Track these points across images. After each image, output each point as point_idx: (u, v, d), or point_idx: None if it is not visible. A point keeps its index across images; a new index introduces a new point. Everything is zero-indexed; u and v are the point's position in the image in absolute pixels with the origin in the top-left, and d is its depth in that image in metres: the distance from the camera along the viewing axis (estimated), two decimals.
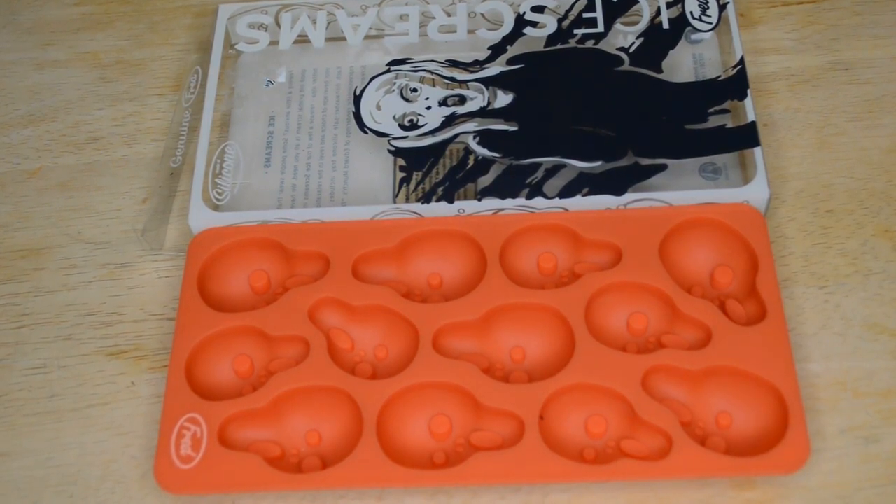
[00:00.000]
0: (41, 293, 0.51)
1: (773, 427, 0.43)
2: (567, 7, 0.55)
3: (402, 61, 0.54)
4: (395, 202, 0.50)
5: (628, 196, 0.49)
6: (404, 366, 0.45)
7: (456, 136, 0.51)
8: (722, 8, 0.54)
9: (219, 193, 0.51)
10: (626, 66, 0.53)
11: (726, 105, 0.51)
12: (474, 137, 0.51)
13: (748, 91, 0.51)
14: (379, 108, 0.53)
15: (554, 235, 0.49)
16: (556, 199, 0.49)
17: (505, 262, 0.48)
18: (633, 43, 0.54)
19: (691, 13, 0.54)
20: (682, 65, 0.53)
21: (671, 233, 0.48)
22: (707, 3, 0.54)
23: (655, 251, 0.47)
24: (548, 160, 0.50)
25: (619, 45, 0.54)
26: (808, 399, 0.44)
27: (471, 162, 0.51)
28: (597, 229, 0.48)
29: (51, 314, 0.50)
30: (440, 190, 0.50)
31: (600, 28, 0.54)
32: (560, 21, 0.55)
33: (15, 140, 0.57)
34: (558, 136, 0.51)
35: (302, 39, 0.56)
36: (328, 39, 0.56)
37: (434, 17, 0.56)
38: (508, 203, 0.49)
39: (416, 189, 0.50)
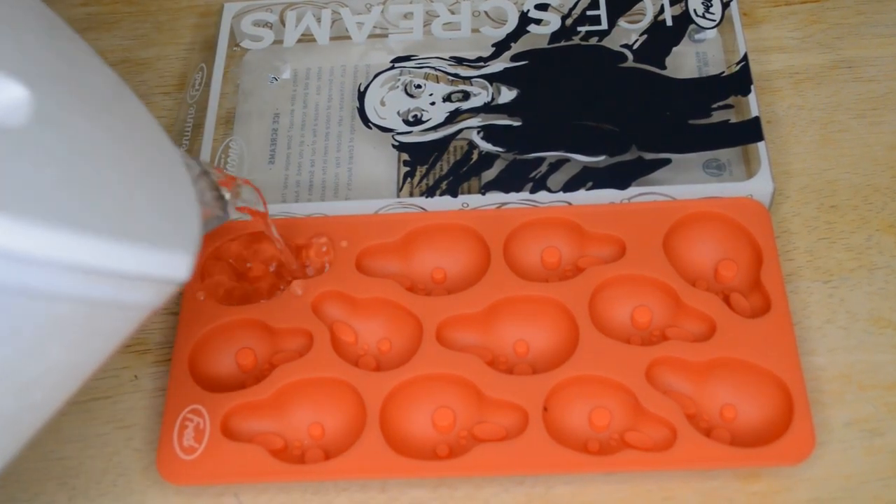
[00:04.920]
0: None
1: (777, 419, 0.43)
2: (571, 5, 0.55)
3: (407, 58, 0.55)
4: (398, 196, 0.50)
5: (632, 190, 0.49)
6: (408, 358, 0.45)
7: (460, 131, 0.51)
8: (725, 5, 0.54)
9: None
10: (630, 63, 0.53)
11: (730, 101, 0.51)
12: (478, 132, 0.51)
13: (752, 86, 0.51)
14: (383, 103, 0.53)
15: (558, 229, 0.49)
16: (560, 194, 0.49)
17: (508, 256, 0.48)
18: (637, 40, 0.54)
19: (695, 10, 0.54)
20: (685, 64, 0.54)
21: (675, 226, 0.48)
22: (710, 0, 0.54)
23: (659, 245, 0.47)
24: (551, 155, 0.50)
25: (622, 43, 0.54)
26: (813, 392, 0.44)
27: (475, 156, 0.51)
28: (600, 223, 0.48)
29: None
30: (444, 184, 0.50)
31: (604, 25, 0.54)
32: (564, 19, 0.55)
33: None
34: (562, 131, 0.51)
35: (307, 38, 0.56)
36: (333, 38, 0.56)
37: (438, 16, 0.56)
38: (512, 197, 0.49)
39: (419, 183, 0.51)
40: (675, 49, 0.53)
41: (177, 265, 0.32)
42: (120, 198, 0.32)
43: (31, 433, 0.34)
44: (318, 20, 0.57)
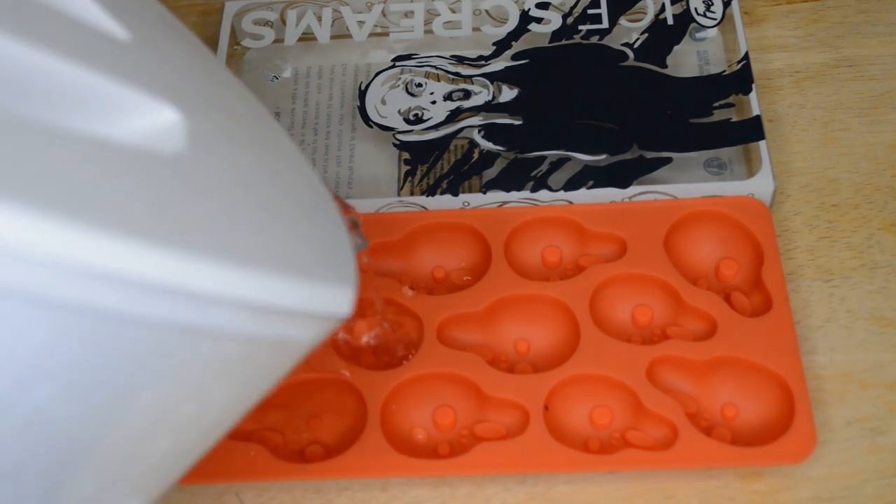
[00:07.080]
0: None
1: (779, 417, 0.43)
2: (572, 3, 0.55)
3: (408, 57, 0.55)
4: (399, 195, 0.50)
5: (633, 189, 0.49)
6: None
7: (461, 129, 0.51)
8: (726, 4, 0.54)
9: None
10: (631, 62, 0.53)
11: (731, 99, 0.51)
12: (479, 131, 0.51)
13: (753, 85, 0.51)
14: (384, 102, 0.53)
15: (558, 228, 0.49)
16: (561, 192, 0.49)
17: (509, 254, 0.48)
18: (638, 39, 0.54)
19: (695, 9, 0.54)
20: (686, 62, 0.54)
21: (676, 225, 0.48)
22: None
23: (660, 244, 0.47)
24: (552, 153, 0.50)
25: (623, 41, 0.54)
26: (814, 391, 0.44)
27: (475, 155, 0.51)
28: (601, 222, 0.48)
29: None
30: (445, 183, 0.50)
31: (605, 24, 0.54)
32: (565, 17, 0.55)
33: None
34: (563, 130, 0.51)
35: (307, 37, 0.56)
36: (333, 36, 0.56)
37: (439, 14, 0.56)
38: (513, 196, 0.49)
39: (420, 182, 0.51)
40: (676, 48, 0.53)
41: (341, 300, 0.30)
42: (283, 230, 0.29)
43: (177, 476, 0.31)
44: (319, 19, 0.57)
